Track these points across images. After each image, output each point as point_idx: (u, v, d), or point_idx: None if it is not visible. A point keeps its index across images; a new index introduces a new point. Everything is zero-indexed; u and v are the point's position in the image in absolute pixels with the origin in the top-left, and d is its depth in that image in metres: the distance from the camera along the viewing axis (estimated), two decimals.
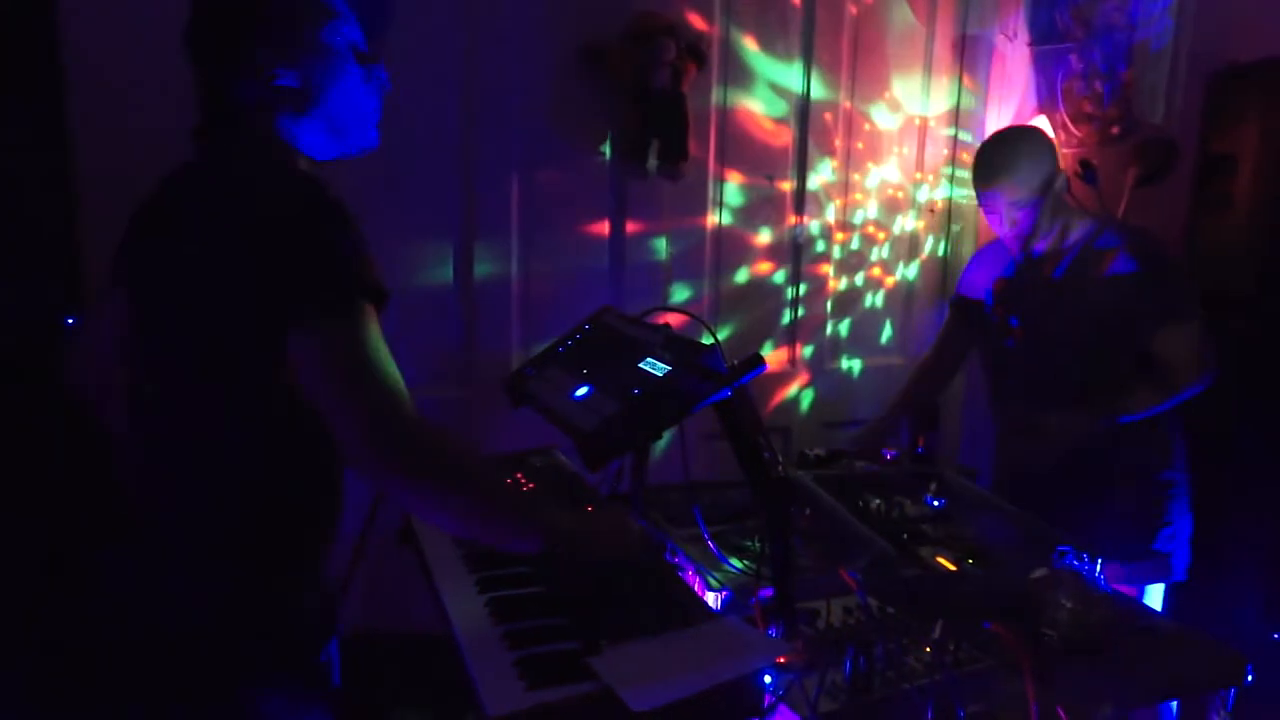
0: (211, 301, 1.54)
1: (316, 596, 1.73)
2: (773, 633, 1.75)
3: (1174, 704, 2.48)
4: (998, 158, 2.74)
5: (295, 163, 1.68)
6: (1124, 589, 2.28)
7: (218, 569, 1.60)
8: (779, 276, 3.91)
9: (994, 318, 2.87)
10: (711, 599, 1.92)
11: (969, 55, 4.06)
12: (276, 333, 1.48)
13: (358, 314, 1.51)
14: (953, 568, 2.19)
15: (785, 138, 3.81)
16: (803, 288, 3.96)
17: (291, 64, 1.63)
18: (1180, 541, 2.78)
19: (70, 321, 2.63)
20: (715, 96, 3.63)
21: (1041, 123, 3.80)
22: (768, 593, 1.82)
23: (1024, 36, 3.97)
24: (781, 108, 3.78)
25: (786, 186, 3.85)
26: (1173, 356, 2.59)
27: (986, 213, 2.78)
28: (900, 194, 4.08)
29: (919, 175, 4.10)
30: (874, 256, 4.09)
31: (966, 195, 4.13)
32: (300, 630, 1.68)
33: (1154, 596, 2.83)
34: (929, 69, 4.02)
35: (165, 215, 1.67)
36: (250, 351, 1.53)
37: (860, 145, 3.96)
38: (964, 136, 4.12)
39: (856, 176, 3.98)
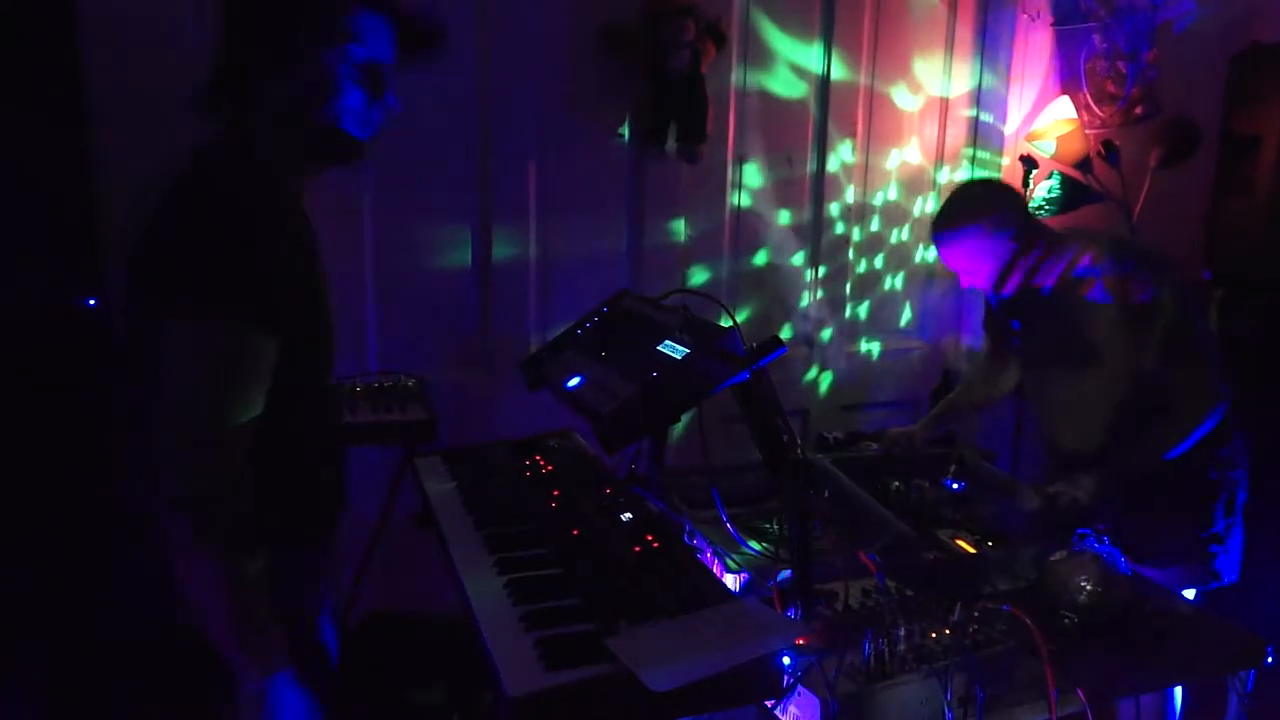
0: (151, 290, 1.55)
1: (302, 577, 1.74)
2: (791, 614, 1.75)
3: (1178, 690, 2.47)
4: (936, 223, 2.67)
5: (271, 158, 1.65)
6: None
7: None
8: (798, 259, 3.89)
9: (1000, 316, 2.83)
10: (730, 581, 1.93)
11: (991, 35, 4.03)
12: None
13: (215, 331, 1.47)
14: (972, 550, 2.19)
15: (805, 119, 3.80)
16: (822, 270, 3.94)
17: (280, 75, 1.62)
18: (1229, 545, 2.65)
19: (91, 303, 2.64)
20: (734, 78, 3.61)
21: (1064, 103, 3.78)
22: (786, 575, 1.82)
23: (1047, 16, 3.94)
24: (801, 89, 3.76)
25: (806, 168, 3.83)
26: (1178, 397, 2.49)
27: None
28: (921, 176, 4.05)
29: (940, 157, 4.07)
30: (894, 239, 4.07)
31: (988, 177, 4.10)
32: (289, 611, 1.69)
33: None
34: (951, 49, 3.99)
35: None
36: None
37: (881, 127, 3.94)
38: (985, 118, 4.09)
39: (877, 158, 3.96)
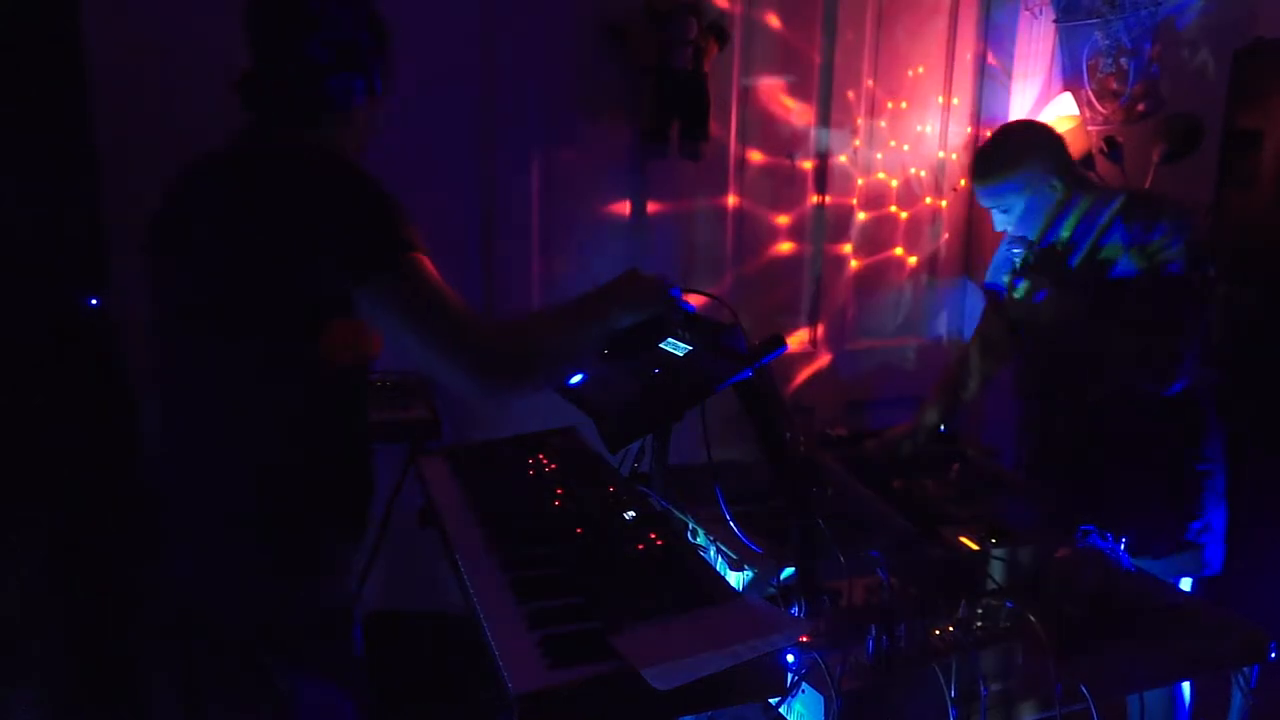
0: (260, 270, 1.58)
1: (347, 573, 1.75)
2: (795, 612, 1.75)
3: (1187, 685, 2.47)
4: (979, 164, 2.68)
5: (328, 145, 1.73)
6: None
7: (249, 547, 1.62)
8: (800, 256, 3.89)
9: (1011, 294, 2.80)
10: (733, 578, 1.93)
11: (993, 31, 4.03)
12: (335, 298, 1.57)
13: (414, 265, 1.61)
14: (975, 547, 2.19)
15: (807, 116, 3.79)
16: (824, 267, 3.94)
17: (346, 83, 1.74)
18: (1214, 534, 2.67)
19: (94, 302, 2.64)
20: (737, 75, 3.61)
21: (1066, 100, 3.77)
22: (790, 572, 1.82)
23: (1049, 12, 3.93)
24: (803, 86, 3.75)
25: (808, 165, 3.83)
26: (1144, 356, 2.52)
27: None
28: (922, 172, 4.05)
29: (941, 154, 4.07)
30: (896, 236, 4.07)
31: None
32: (333, 605, 1.70)
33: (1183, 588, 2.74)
34: (952, 45, 3.99)
35: (214, 189, 1.69)
36: (291, 320, 1.56)
37: (882, 124, 3.94)
38: (987, 114, 4.08)
39: (878, 155, 3.96)
